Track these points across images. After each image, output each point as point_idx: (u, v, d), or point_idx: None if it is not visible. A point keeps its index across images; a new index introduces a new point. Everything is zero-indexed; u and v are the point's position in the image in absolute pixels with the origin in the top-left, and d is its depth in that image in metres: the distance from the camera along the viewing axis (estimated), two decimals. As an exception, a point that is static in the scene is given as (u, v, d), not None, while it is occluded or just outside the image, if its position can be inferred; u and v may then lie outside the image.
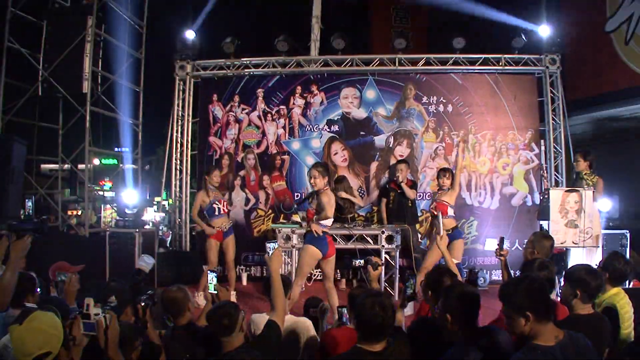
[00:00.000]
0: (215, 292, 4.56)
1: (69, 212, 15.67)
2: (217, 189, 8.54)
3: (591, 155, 7.75)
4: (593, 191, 7.35)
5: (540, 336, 3.00)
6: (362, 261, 4.35)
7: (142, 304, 4.22)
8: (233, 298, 8.31)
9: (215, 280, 4.65)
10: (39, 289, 4.81)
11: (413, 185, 9.38)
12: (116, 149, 13.43)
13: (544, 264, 4.02)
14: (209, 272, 4.87)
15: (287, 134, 10.87)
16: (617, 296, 4.45)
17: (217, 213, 8.42)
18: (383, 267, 8.86)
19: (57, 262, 6.02)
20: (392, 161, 10.45)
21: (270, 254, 4.15)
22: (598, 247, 7.56)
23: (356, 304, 3.37)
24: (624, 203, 10.16)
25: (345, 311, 4.35)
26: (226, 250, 8.53)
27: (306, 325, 4.54)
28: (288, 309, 4.87)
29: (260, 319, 4.55)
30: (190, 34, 11.29)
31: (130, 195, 10.32)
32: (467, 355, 3.26)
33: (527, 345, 3.02)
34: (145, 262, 7.14)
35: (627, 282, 5.33)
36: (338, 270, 9.78)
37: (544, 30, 10.73)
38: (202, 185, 8.64)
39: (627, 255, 7.18)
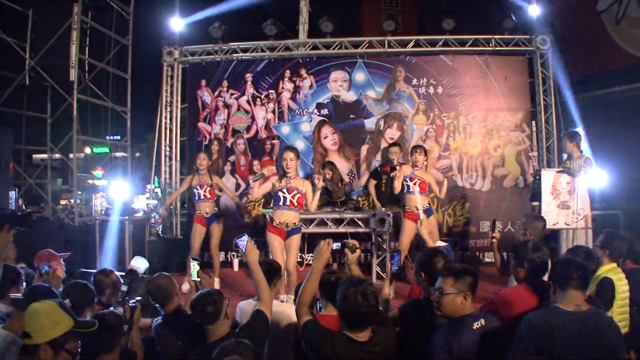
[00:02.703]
0: (198, 279, 4.53)
1: (62, 202, 15.64)
2: (207, 173, 8.49)
3: (577, 137, 7.70)
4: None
5: (561, 301, 3.27)
6: (338, 245, 4.25)
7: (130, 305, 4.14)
8: (217, 285, 8.30)
9: (198, 267, 4.61)
10: (24, 283, 4.78)
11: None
12: (106, 137, 13.36)
13: (538, 246, 3.99)
14: (191, 259, 4.83)
15: (276, 119, 10.80)
16: (614, 270, 4.70)
17: (197, 198, 8.49)
18: (375, 251, 8.94)
19: (42, 250, 5.97)
20: (383, 144, 10.41)
21: (243, 249, 4.04)
22: (589, 228, 7.56)
23: (339, 293, 3.33)
24: (617, 184, 10.13)
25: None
26: (210, 236, 8.54)
27: (287, 314, 4.46)
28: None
29: (248, 306, 4.50)
30: (177, 20, 11.18)
31: (121, 188, 10.23)
32: (458, 337, 3.26)
33: (548, 306, 3.32)
34: (138, 265, 7.09)
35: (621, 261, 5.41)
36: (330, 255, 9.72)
37: (535, 10, 10.66)
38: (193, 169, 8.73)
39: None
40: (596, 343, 3.13)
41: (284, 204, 7.00)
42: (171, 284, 4.41)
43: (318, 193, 7.12)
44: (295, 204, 7.00)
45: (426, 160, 8.31)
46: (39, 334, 2.90)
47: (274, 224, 7.05)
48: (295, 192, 7.00)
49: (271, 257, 6.92)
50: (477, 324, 3.30)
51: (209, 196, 8.45)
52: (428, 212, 8.17)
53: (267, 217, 8.76)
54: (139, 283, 5.15)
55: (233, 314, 4.20)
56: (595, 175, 7.97)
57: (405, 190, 8.10)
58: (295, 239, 7.09)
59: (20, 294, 4.28)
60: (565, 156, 7.98)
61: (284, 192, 7.00)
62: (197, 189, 8.44)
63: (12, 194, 10.59)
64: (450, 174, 9.35)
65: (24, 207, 12.42)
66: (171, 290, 4.37)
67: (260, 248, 4.77)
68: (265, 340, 3.83)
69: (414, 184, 8.05)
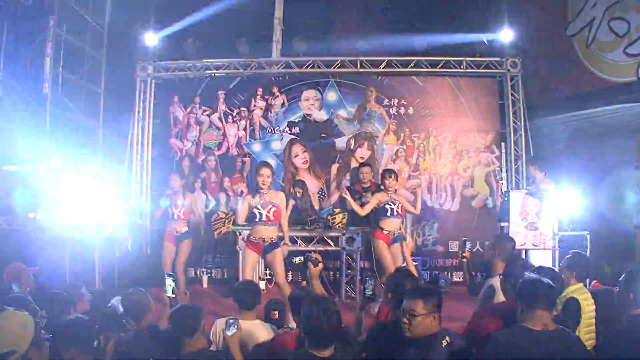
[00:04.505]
0: (174, 295, 4.55)
1: (30, 215, 15.46)
2: (181, 193, 8.58)
3: (540, 161, 7.86)
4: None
5: (527, 321, 3.28)
6: (301, 258, 4.28)
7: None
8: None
9: (173, 284, 4.63)
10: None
11: (377, 188, 9.25)
12: (77, 151, 13.26)
13: (529, 265, 4.11)
14: (166, 276, 4.82)
15: (247, 136, 10.85)
16: (579, 290, 4.77)
17: (169, 217, 8.54)
18: (344, 269, 8.98)
19: (12, 264, 5.94)
20: (353, 163, 10.50)
21: (229, 333, 3.90)
22: (556, 249, 7.68)
23: (301, 311, 3.37)
24: (585, 205, 10.26)
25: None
26: (178, 254, 8.53)
27: (256, 336, 4.48)
28: None
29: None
30: (151, 35, 11.18)
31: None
32: (430, 353, 3.34)
33: (516, 325, 3.35)
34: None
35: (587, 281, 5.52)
36: (299, 273, 9.81)
37: (506, 34, 10.82)
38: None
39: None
40: (563, 363, 3.16)
41: (260, 219, 6.93)
42: (146, 299, 4.44)
43: (288, 211, 7.14)
44: (272, 217, 6.94)
45: (397, 184, 8.35)
46: (23, 343, 2.94)
47: (251, 239, 7.02)
48: (270, 206, 6.95)
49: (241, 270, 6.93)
50: (445, 342, 3.37)
51: (182, 217, 8.53)
52: (399, 237, 8.14)
53: (237, 233, 8.80)
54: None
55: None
56: (563, 196, 8.10)
57: (388, 214, 8.00)
58: (277, 254, 7.04)
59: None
60: (532, 180, 8.13)
61: (259, 208, 6.93)
62: (172, 208, 8.50)
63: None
64: (414, 186, 9.40)
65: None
66: (146, 306, 4.40)
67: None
68: None
69: (397, 207, 7.99)
